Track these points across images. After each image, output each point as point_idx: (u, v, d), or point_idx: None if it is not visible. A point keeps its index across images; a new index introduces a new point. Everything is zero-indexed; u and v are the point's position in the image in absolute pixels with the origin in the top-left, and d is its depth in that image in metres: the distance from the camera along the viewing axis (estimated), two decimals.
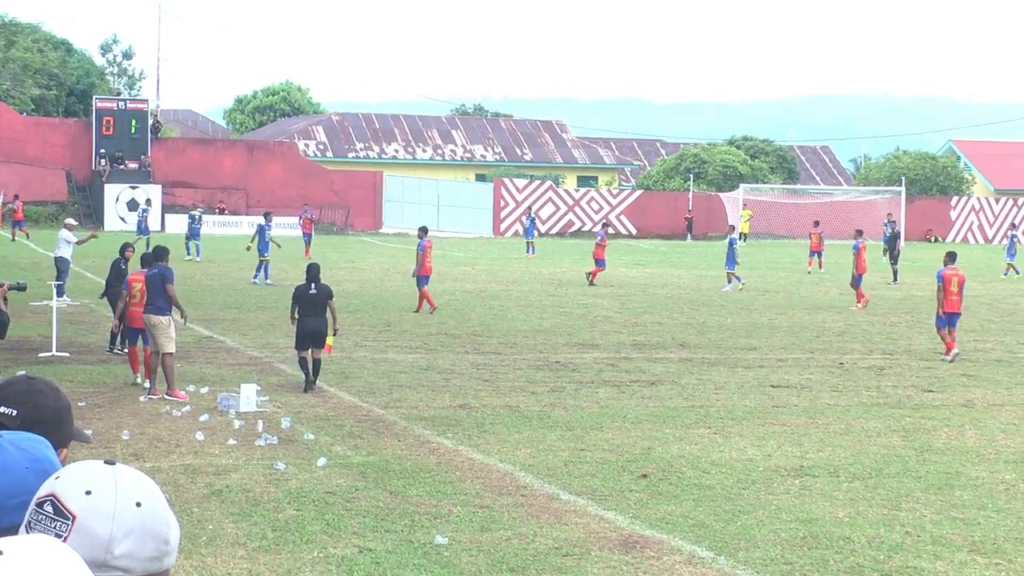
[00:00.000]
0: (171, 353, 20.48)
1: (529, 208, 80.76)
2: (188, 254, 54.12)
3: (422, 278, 34.49)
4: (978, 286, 47.44)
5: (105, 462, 3.12)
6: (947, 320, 27.04)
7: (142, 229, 59.01)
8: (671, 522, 13.13)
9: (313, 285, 21.79)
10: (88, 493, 3.02)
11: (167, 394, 19.91)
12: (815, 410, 20.34)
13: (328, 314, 21.66)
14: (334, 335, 21.99)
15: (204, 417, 18.29)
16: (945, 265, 27.60)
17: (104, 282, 27.49)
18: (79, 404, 18.64)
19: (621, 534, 12.65)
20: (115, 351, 24.62)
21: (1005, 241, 63.93)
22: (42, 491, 3.06)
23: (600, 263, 45.86)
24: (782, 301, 40.21)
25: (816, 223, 60.62)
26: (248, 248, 45.85)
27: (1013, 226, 73.44)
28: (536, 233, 69.90)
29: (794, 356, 27.08)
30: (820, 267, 56.38)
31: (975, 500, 14.43)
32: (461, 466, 15.58)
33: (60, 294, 29.03)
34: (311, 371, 21.12)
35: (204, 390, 20.57)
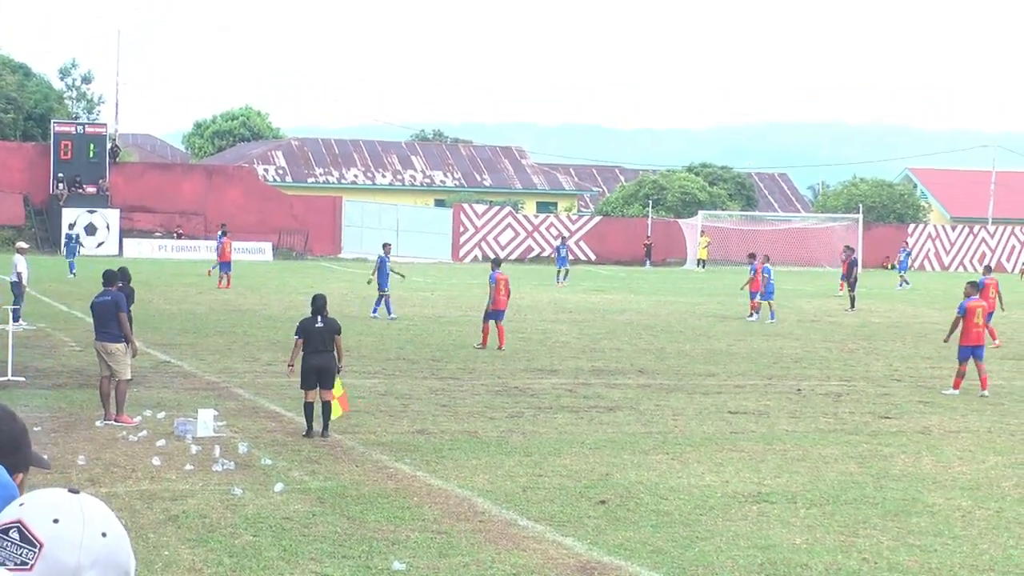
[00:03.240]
0: (128, 380, 20.37)
1: (563, 237, 78.00)
2: (72, 272, 54.84)
3: (493, 313, 32.69)
4: (935, 313, 47.71)
5: (69, 490, 3.10)
6: (971, 352, 26.26)
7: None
8: (629, 548, 13.13)
9: (319, 318, 19.54)
10: (56, 522, 3.01)
11: (115, 419, 19.78)
12: (773, 436, 20.39)
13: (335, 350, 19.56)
14: (339, 373, 19.59)
15: (161, 442, 18.18)
16: (968, 296, 26.72)
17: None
18: (35, 429, 18.51)
19: (579, 560, 12.64)
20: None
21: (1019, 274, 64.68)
22: (6, 517, 3.04)
23: (755, 296, 44.08)
24: (740, 328, 40.33)
25: (846, 247, 61.21)
26: (369, 282, 41.80)
27: None
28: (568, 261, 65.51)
29: (752, 382, 27.16)
30: (841, 289, 56.68)
31: (932, 527, 14.48)
32: (419, 492, 15.54)
33: (16, 318, 28.88)
34: (322, 414, 19.22)
35: (161, 415, 20.45)
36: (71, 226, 66.59)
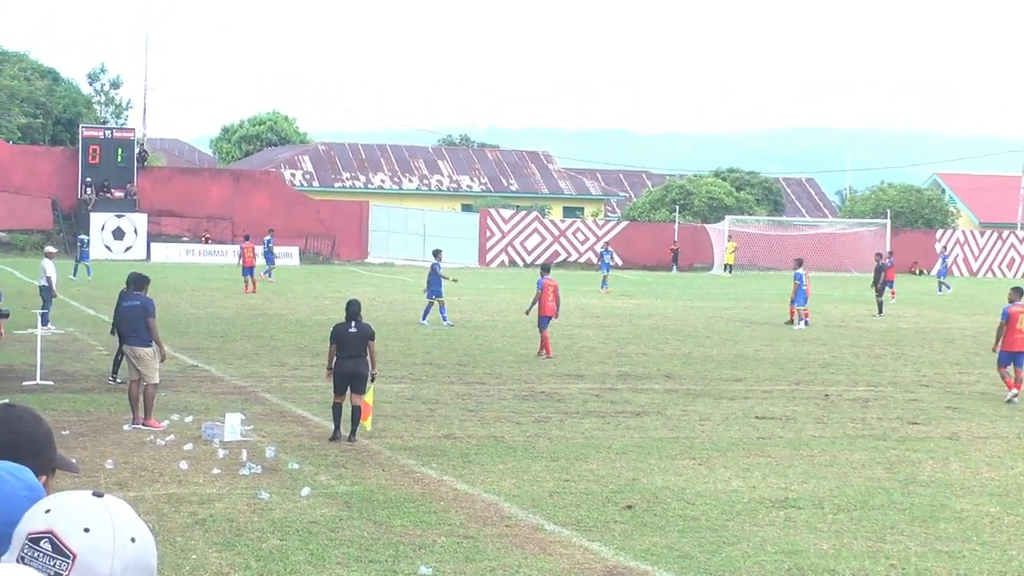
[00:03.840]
0: (156, 384, 20.43)
1: (607, 243, 76.48)
2: (74, 276, 55.89)
3: (543, 319, 32.04)
4: (962, 319, 47.53)
5: (93, 493, 3.10)
6: (1012, 359, 25.98)
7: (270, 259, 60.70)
8: (656, 553, 13.11)
9: (353, 323, 19.54)
10: (87, 531, 3.00)
11: (143, 423, 19.84)
12: (800, 442, 20.33)
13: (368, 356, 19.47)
14: (371, 380, 19.50)
15: (188, 446, 18.23)
16: (1011, 301, 26.37)
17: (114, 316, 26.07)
18: (63, 433, 18.58)
19: (606, 565, 12.62)
20: (117, 380, 24.46)
21: None
22: (36, 526, 3.03)
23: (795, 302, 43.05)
24: (767, 333, 40.23)
25: (890, 253, 61.27)
26: (452, 279, 41.25)
27: None
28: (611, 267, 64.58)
29: (779, 387, 27.09)
30: (892, 296, 56.36)
31: (960, 533, 14.43)
32: (445, 496, 15.55)
33: (45, 323, 28.97)
34: (351, 419, 19.19)
35: (188, 419, 20.50)
36: (84, 232, 68.49)
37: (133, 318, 20.59)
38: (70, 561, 2.98)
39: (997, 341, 26.44)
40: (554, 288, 32.74)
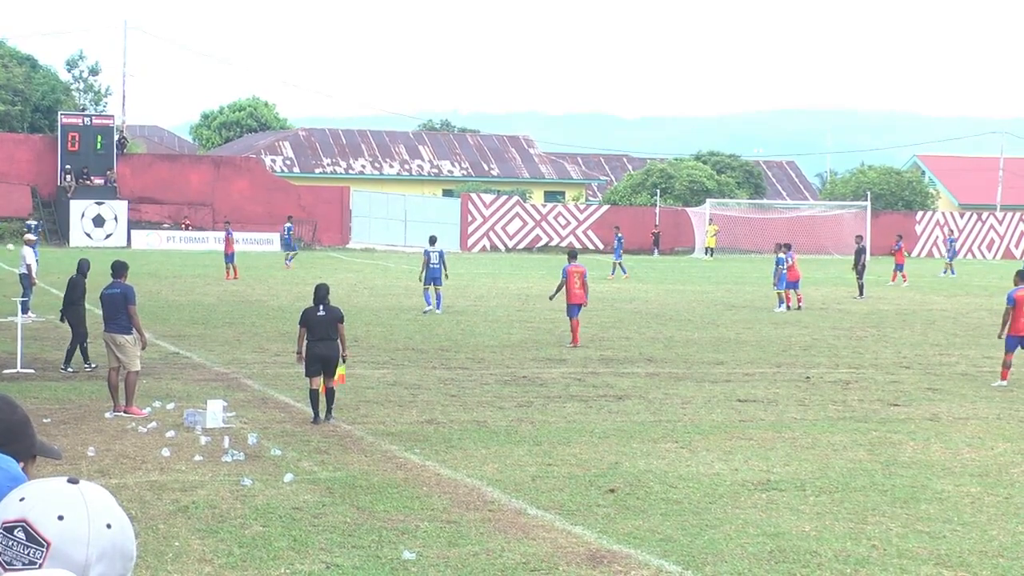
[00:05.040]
0: (137, 371, 20.38)
1: (617, 228, 75.78)
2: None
3: (572, 307, 31.28)
4: (943, 300, 47.63)
5: (68, 480, 3.08)
6: (1019, 343, 25.34)
7: (289, 245, 62.87)
8: (638, 536, 13.14)
9: (322, 307, 19.73)
10: (61, 518, 2.98)
11: (124, 411, 19.80)
12: (782, 424, 20.38)
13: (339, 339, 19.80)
14: (343, 362, 19.92)
15: (170, 433, 18.21)
16: (1016, 285, 25.75)
17: (63, 301, 25.75)
18: (44, 420, 18.56)
19: (589, 549, 12.64)
20: (89, 367, 24.45)
21: None
22: (10, 514, 3.01)
23: (794, 286, 43.21)
24: (749, 316, 40.29)
25: (899, 237, 61.69)
26: (446, 276, 40.09)
27: None
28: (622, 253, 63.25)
29: (761, 370, 27.13)
30: (904, 280, 57.09)
31: (941, 514, 14.47)
32: (428, 481, 15.55)
33: (25, 311, 28.89)
34: (326, 401, 19.56)
35: (170, 406, 20.47)
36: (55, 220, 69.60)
37: (113, 305, 20.51)
38: (44, 549, 2.96)
39: (1004, 327, 25.72)
40: (581, 275, 31.69)
